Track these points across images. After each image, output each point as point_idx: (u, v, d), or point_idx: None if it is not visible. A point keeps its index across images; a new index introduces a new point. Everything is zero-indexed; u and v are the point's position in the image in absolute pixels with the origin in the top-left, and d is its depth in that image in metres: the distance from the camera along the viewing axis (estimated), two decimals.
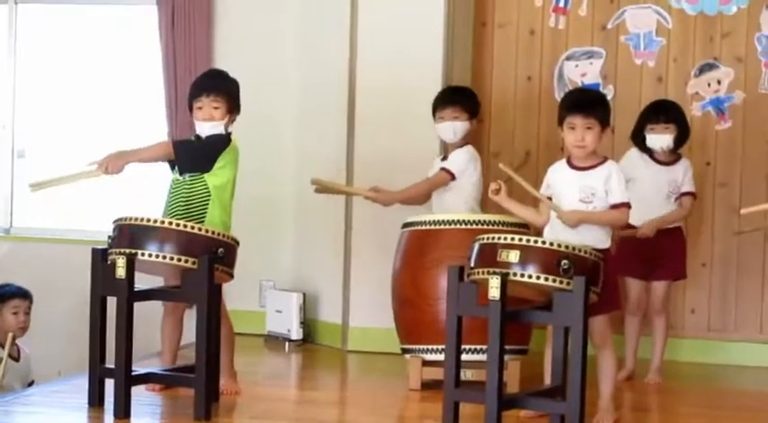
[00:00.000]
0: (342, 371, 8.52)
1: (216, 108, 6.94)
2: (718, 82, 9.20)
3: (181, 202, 6.89)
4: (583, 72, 9.40)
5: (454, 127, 8.13)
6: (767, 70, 9.09)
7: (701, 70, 9.24)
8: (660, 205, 8.14)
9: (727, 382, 8.58)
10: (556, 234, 6.56)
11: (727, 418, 7.29)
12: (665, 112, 8.22)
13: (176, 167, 6.92)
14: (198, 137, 7.02)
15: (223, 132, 6.99)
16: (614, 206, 6.63)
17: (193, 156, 6.94)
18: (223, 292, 7.02)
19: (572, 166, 6.74)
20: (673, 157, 8.23)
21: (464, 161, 8.06)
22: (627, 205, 6.68)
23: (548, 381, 6.74)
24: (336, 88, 9.09)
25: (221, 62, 9.36)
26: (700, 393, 8.21)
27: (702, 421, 7.27)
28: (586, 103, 6.81)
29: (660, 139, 8.12)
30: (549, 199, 6.69)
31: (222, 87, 7.05)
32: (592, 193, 6.59)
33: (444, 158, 8.19)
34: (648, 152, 8.18)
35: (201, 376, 6.44)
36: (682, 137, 8.20)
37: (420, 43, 8.98)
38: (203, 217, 6.87)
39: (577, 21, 9.40)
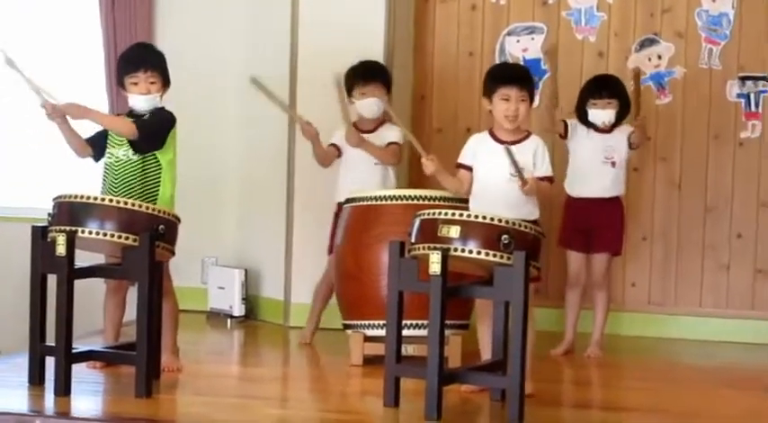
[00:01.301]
0: (284, 347, 8.52)
1: (152, 83, 6.95)
2: (659, 57, 9.26)
3: (136, 180, 6.90)
4: (524, 47, 9.43)
5: (378, 103, 8.20)
6: (707, 45, 9.15)
7: (642, 45, 9.30)
8: (600, 171, 8.23)
9: (667, 356, 8.64)
10: (482, 206, 6.58)
11: (667, 391, 7.30)
12: (606, 87, 8.29)
13: (128, 146, 6.90)
14: (132, 112, 7.01)
15: (159, 106, 7.01)
16: (544, 179, 6.75)
17: (151, 135, 6.91)
18: (170, 270, 7.06)
19: (497, 140, 6.80)
20: (615, 121, 8.29)
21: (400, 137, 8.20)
22: (553, 179, 6.85)
23: (484, 356, 6.84)
24: (279, 61, 9.08)
25: (162, 37, 9.35)
26: (640, 367, 8.26)
27: (643, 395, 7.29)
28: (522, 75, 6.91)
29: (602, 114, 8.18)
30: (470, 169, 6.78)
31: (156, 62, 7.07)
32: (515, 172, 6.62)
33: (370, 131, 8.32)
34: (592, 126, 8.24)
35: (142, 353, 6.41)
36: (623, 111, 8.27)
37: (362, 18, 8.99)
38: (157, 194, 6.92)
39: None
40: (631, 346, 8.82)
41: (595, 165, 8.22)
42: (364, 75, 8.33)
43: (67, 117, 6.83)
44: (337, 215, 8.20)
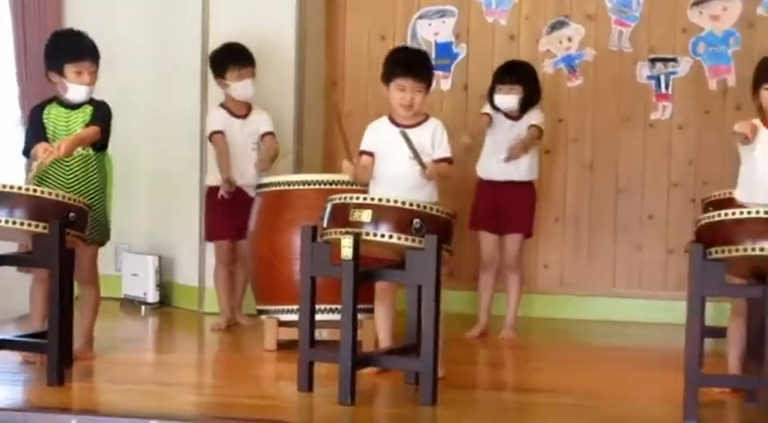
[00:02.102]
0: (198, 333, 8.50)
1: (93, 72, 6.94)
2: (569, 39, 9.30)
3: (95, 174, 6.92)
4: (436, 31, 9.45)
5: (249, 85, 8.41)
6: (617, 27, 9.20)
7: (553, 28, 9.34)
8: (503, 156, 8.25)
9: (580, 337, 8.72)
10: (382, 190, 6.65)
11: (580, 371, 7.39)
12: (511, 73, 8.35)
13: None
14: (61, 100, 6.97)
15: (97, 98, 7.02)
16: (442, 160, 6.81)
17: (107, 132, 6.96)
18: (97, 259, 7.09)
19: (396, 124, 6.85)
20: (520, 113, 8.33)
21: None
22: (451, 160, 6.89)
23: (381, 338, 6.95)
24: (190, 48, 9.04)
25: (72, 22, 9.30)
26: (553, 348, 8.33)
27: (554, 376, 7.35)
28: (418, 66, 6.95)
29: (506, 99, 8.24)
30: (372, 155, 6.83)
31: (97, 53, 7.05)
32: (414, 154, 6.68)
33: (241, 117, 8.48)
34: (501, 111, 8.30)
35: (54, 341, 6.40)
36: (530, 97, 8.31)
37: (273, 3, 9.00)
38: (109, 185, 7.03)
39: None
40: (544, 328, 8.89)
41: (499, 146, 8.26)
42: (237, 57, 8.44)
43: None
44: (207, 199, 8.49)
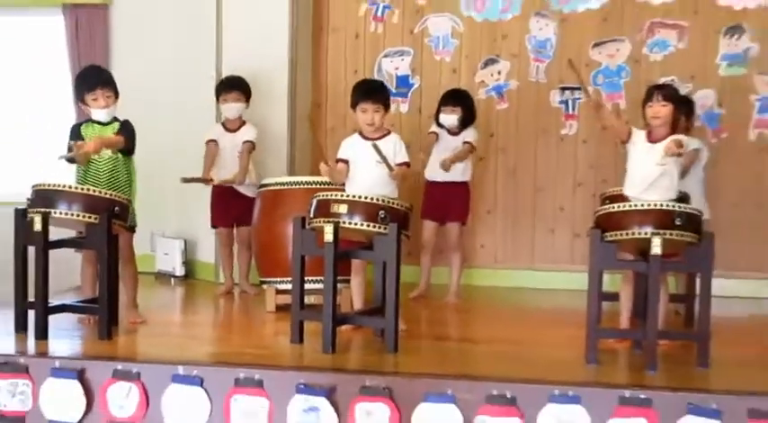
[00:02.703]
0: (215, 299, 8.46)
1: (108, 97, 6.92)
2: (498, 73, 9.32)
3: (121, 173, 6.88)
4: (396, 66, 9.47)
5: (237, 107, 8.43)
6: (534, 64, 9.24)
7: (486, 64, 9.36)
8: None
9: (508, 301, 8.73)
10: (356, 188, 6.71)
11: (508, 326, 7.45)
12: (453, 98, 8.41)
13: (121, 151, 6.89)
14: (94, 121, 6.96)
15: (119, 117, 6.97)
16: (403, 164, 6.87)
17: (132, 142, 6.92)
18: (133, 243, 7.06)
19: (365, 138, 6.91)
20: (460, 129, 8.36)
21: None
22: (409, 164, 6.98)
23: (356, 303, 7.02)
24: (208, 86, 8.95)
25: (118, 62, 9.30)
26: (488, 309, 8.39)
27: (488, 330, 7.39)
28: (375, 92, 7.03)
29: (449, 118, 8.30)
30: (346, 162, 6.89)
31: (109, 79, 7.01)
32: (377, 161, 6.75)
33: (233, 131, 8.51)
34: (444, 128, 8.35)
35: (104, 306, 6.44)
36: (467, 117, 8.35)
37: (272, 43, 8.98)
38: (132, 182, 6.96)
39: (391, 27, 9.46)
40: (482, 295, 8.92)
41: (443, 156, 8.27)
42: (226, 85, 8.51)
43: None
44: (211, 195, 8.58)
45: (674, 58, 9.05)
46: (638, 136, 6.52)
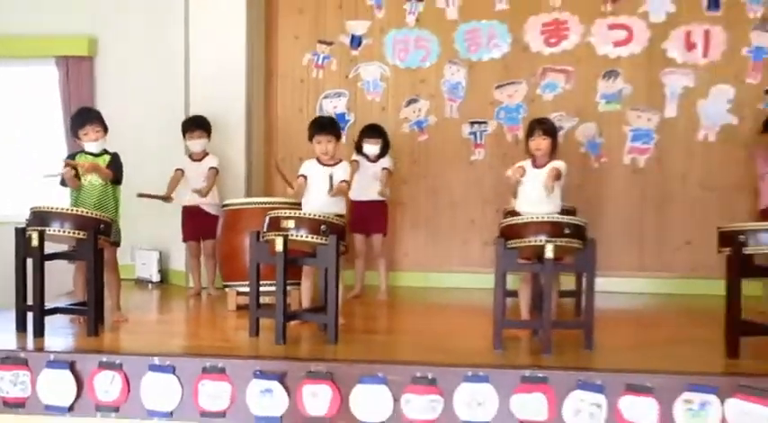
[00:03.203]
0: (185, 300, 8.39)
1: (97, 131, 6.90)
2: (419, 110, 9.35)
3: (108, 198, 6.87)
4: (335, 105, 9.46)
5: (201, 143, 8.43)
6: (449, 103, 9.28)
7: (409, 103, 9.37)
8: (370, 185, 8.31)
9: (429, 298, 8.71)
10: (312, 207, 6.74)
11: (428, 320, 7.46)
12: (373, 130, 8.46)
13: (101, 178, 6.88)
14: (86, 152, 6.93)
15: (109, 149, 6.99)
16: (344, 181, 7.00)
17: (119, 174, 6.94)
18: (117, 255, 7.02)
19: (321, 164, 7.02)
20: (378, 157, 8.40)
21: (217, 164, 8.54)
22: (349, 182, 7.16)
23: (305, 301, 6.97)
24: (175, 115, 8.95)
25: (101, 103, 9.20)
26: (412, 306, 8.35)
27: (412, 323, 7.39)
28: (328, 126, 7.11)
29: (371, 148, 8.38)
30: (305, 177, 7.01)
31: (98, 117, 7.02)
32: (331, 179, 6.90)
33: (198, 161, 8.46)
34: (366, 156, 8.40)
35: (92, 308, 6.38)
36: (385, 147, 8.41)
37: (231, 87, 8.95)
38: (117, 206, 6.97)
39: (330, 73, 9.46)
40: (408, 294, 8.89)
41: (368, 182, 8.31)
42: (191, 124, 8.47)
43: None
44: (182, 214, 8.51)
45: (562, 97, 9.13)
46: (526, 164, 6.65)
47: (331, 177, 6.98)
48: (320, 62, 9.46)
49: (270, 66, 9.53)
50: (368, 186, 8.32)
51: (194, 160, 8.45)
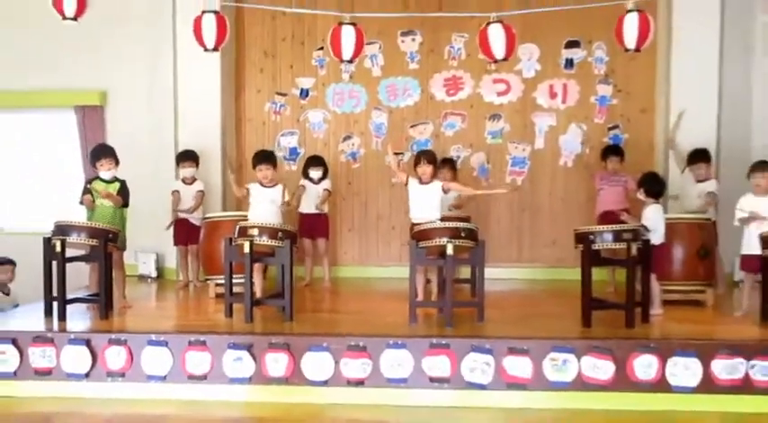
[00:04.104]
0: (176, 291, 8.28)
1: (110, 163, 6.84)
2: (353, 144, 9.32)
3: (116, 217, 6.76)
4: (289, 141, 9.38)
5: (191, 171, 8.32)
6: (375, 139, 9.26)
7: (344, 139, 9.32)
8: (314, 201, 8.31)
9: (362, 286, 8.63)
10: (257, 219, 6.72)
11: (361, 302, 7.43)
12: (316, 160, 8.44)
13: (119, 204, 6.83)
14: (101, 178, 6.87)
15: (120, 177, 6.94)
16: (284, 202, 7.00)
17: (127, 200, 6.90)
18: (123, 257, 6.94)
19: (263, 186, 7.01)
20: (320, 180, 8.38)
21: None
22: (290, 202, 7.16)
23: (258, 290, 6.87)
24: (167, 140, 8.89)
25: (111, 141, 9.05)
26: (350, 292, 8.29)
27: (350, 304, 7.41)
28: (266, 158, 7.11)
29: (316, 173, 8.34)
30: (248, 190, 7.02)
31: (110, 152, 6.95)
32: (272, 200, 6.92)
33: (189, 184, 8.33)
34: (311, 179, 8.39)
35: (103, 297, 6.33)
36: (325, 172, 8.39)
37: (210, 128, 8.86)
38: (124, 223, 6.87)
39: (285, 117, 9.39)
40: (345, 283, 8.80)
41: (312, 199, 8.30)
42: (183, 157, 8.37)
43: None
44: (174, 226, 8.31)
45: (460, 133, 9.19)
46: (413, 182, 6.81)
47: (283, 192, 7.01)
48: (277, 109, 9.40)
49: (239, 112, 9.43)
50: (312, 203, 8.31)
51: (186, 184, 8.35)
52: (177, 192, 8.32)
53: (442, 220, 6.65)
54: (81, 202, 6.84)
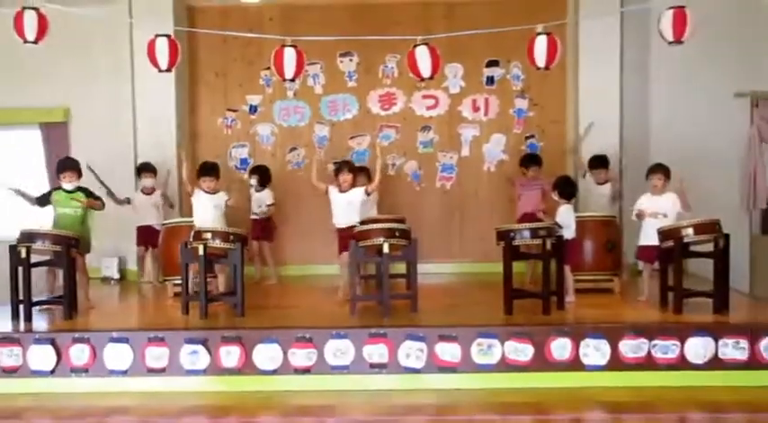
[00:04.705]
0: (138, 291, 8.10)
1: (71, 176, 6.69)
2: (299, 155, 9.16)
3: (79, 225, 6.65)
4: (240, 153, 9.21)
5: (151, 181, 8.17)
6: (318, 150, 9.13)
7: (291, 150, 9.17)
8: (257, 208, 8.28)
9: (306, 282, 8.50)
10: (202, 220, 6.69)
11: (307, 297, 7.37)
12: (258, 170, 8.32)
13: (80, 207, 6.69)
14: (64, 188, 6.71)
15: (79, 185, 6.80)
16: (229, 206, 6.99)
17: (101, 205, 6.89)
18: (86, 261, 6.82)
19: (206, 193, 6.93)
20: (263, 186, 8.29)
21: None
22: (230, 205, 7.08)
23: (221, 287, 6.81)
24: (128, 165, 8.64)
25: (74, 154, 8.77)
26: (296, 288, 8.18)
27: (296, 299, 7.30)
28: (209, 169, 7.02)
29: (253, 180, 8.16)
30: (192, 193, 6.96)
31: (74, 165, 6.85)
32: (215, 206, 6.87)
33: (148, 194, 8.15)
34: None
35: (66, 299, 6.15)
36: (264, 179, 8.29)
37: (167, 143, 8.60)
38: (90, 228, 6.81)
39: (236, 130, 9.21)
40: (291, 281, 8.61)
41: (255, 205, 8.23)
42: (143, 169, 8.18)
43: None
44: (137, 231, 8.17)
45: (395, 144, 9.15)
46: (333, 190, 6.88)
47: (227, 202, 6.95)
48: (229, 124, 9.24)
49: (194, 127, 9.25)
50: (257, 208, 8.24)
51: (145, 194, 8.15)
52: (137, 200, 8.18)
53: (378, 221, 6.63)
54: (34, 202, 6.75)
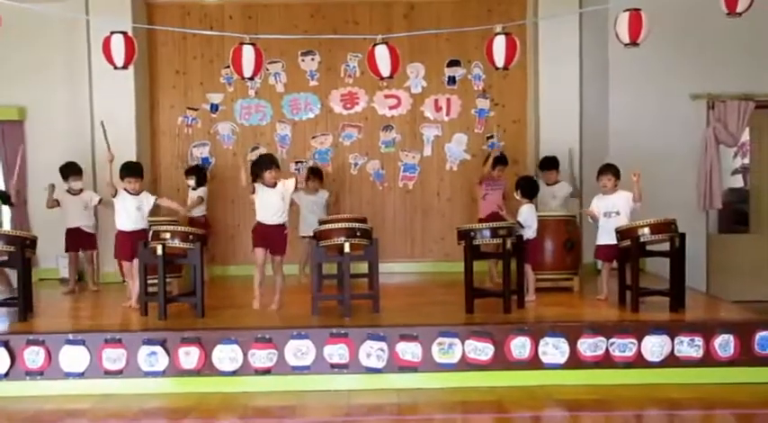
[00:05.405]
0: (94, 293, 7.96)
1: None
2: (260, 154, 9.12)
3: None
4: (201, 152, 9.07)
5: (80, 182, 7.81)
6: (280, 149, 9.00)
7: (252, 149, 8.91)
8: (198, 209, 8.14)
9: (267, 282, 8.51)
10: (125, 225, 6.62)
11: (267, 293, 7.30)
12: (195, 171, 8.28)
13: None
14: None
15: None
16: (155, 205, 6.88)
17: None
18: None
19: (130, 193, 6.72)
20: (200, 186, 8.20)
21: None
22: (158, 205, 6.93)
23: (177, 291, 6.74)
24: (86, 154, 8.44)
25: (31, 155, 8.61)
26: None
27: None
28: (134, 170, 6.80)
29: (190, 181, 8.15)
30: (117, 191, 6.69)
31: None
32: (137, 207, 6.67)
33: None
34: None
35: (21, 300, 6.02)
36: (199, 180, 8.21)
37: (126, 141, 8.33)
38: None
39: (197, 129, 9.09)
40: (248, 281, 8.55)
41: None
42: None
43: None
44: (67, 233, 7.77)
45: (357, 143, 9.13)
46: (261, 188, 6.55)
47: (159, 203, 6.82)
48: (190, 122, 9.13)
49: (153, 125, 9.11)
50: (198, 209, 8.16)
51: (73, 194, 7.77)
52: (57, 200, 7.69)
53: (340, 220, 6.60)
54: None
